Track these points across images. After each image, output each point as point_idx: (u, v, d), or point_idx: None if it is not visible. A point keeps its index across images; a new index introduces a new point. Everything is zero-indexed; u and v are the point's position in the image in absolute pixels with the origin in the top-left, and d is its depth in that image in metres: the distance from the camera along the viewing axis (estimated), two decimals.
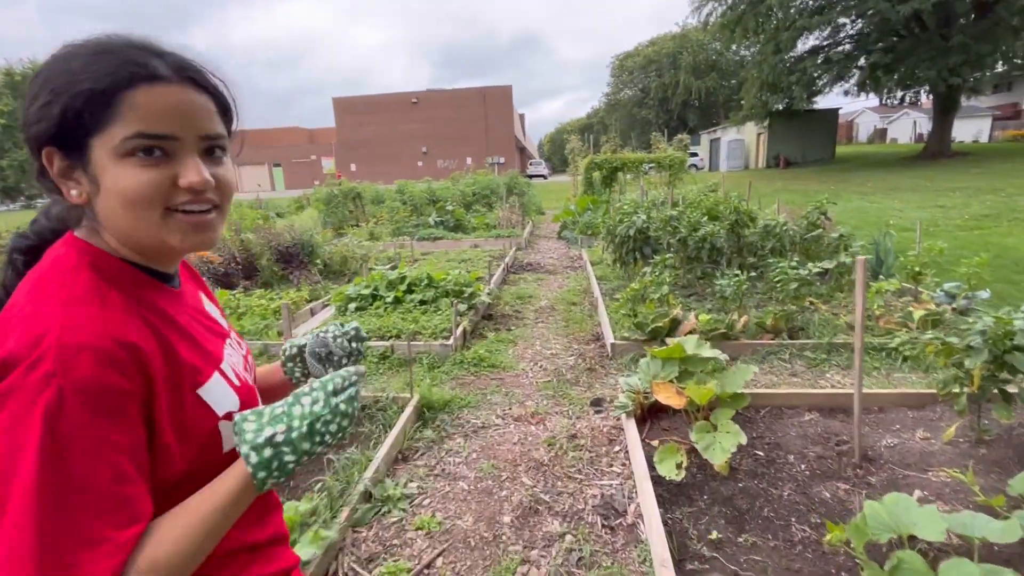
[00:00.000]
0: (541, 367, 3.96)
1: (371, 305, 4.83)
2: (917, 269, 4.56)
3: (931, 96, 27.31)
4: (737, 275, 4.43)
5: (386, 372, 3.86)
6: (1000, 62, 18.79)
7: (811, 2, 20.71)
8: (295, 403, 0.61)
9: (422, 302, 4.82)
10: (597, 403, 3.26)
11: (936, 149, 21.88)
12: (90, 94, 0.53)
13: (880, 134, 37.96)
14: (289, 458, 0.58)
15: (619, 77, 57.94)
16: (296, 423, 0.59)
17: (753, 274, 5.04)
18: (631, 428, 2.76)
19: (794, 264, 4.50)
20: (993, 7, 18.35)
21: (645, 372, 2.88)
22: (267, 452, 0.57)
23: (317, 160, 47.22)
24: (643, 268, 5.55)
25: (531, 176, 42.40)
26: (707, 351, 2.75)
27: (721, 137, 34.28)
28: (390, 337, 4.20)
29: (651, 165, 13.33)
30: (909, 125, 35.86)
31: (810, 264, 4.21)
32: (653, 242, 5.45)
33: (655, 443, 2.71)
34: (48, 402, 0.48)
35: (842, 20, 21.35)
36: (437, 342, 4.17)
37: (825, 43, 23.07)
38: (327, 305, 5.60)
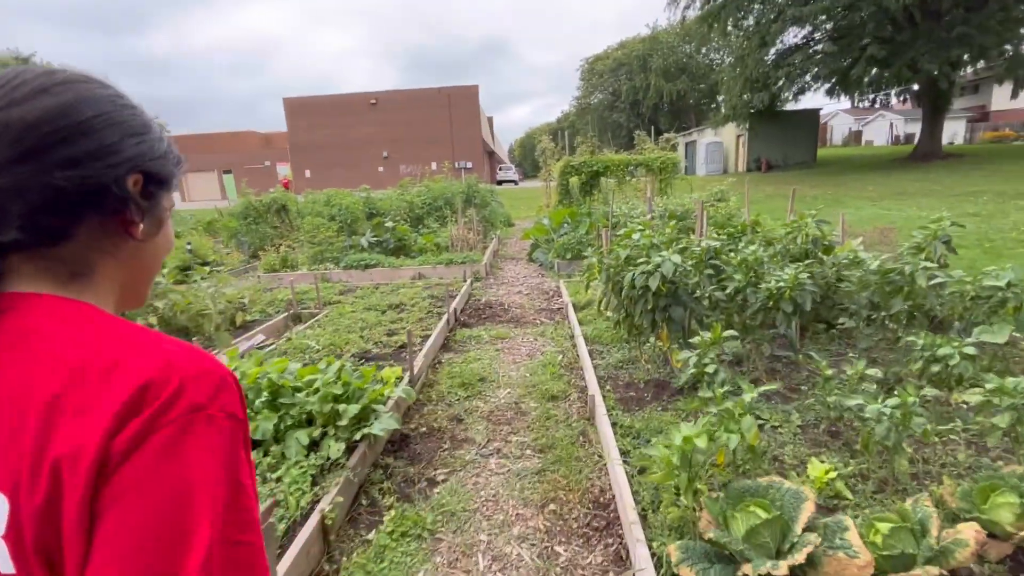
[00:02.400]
0: None
1: None
2: None
3: (911, 96, 26.32)
4: (887, 383, 2.20)
5: None
6: (1003, 55, 17.47)
7: None
8: None
9: (255, 444, 2.40)
10: None
11: (928, 150, 20.59)
12: (178, 157, 0.59)
13: (855, 136, 37.19)
14: None
15: (589, 80, 56.72)
16: None
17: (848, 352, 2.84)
18: None
19: (983, 360, 2.31)
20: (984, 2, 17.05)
21: None
22: None
23: (272, 166, 44.08)
24: (669, 341, 3.28)
25: (501, 182, 40.11)
26: None
27: (698, 140, 32.77)
28: None
29: (634, 167, 11.21)
30: (885, 127, 35.13)
31: None
32: (685, 296, 3.18)
33: None
34: (213, 433, 0.45)
35: (824, 16, 19.85)
36: None
37: (811, 37, 21.60)
38: None
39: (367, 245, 8.20)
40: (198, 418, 0.44)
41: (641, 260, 3.13)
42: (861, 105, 33.95)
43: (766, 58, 20.89)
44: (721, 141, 30.46)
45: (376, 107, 36.26)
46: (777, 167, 27.13)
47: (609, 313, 3.66)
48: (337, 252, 8.08)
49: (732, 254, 3.47)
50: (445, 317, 4.86)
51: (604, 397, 3.20)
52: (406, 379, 3.41)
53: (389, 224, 8.78)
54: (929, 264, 2.82)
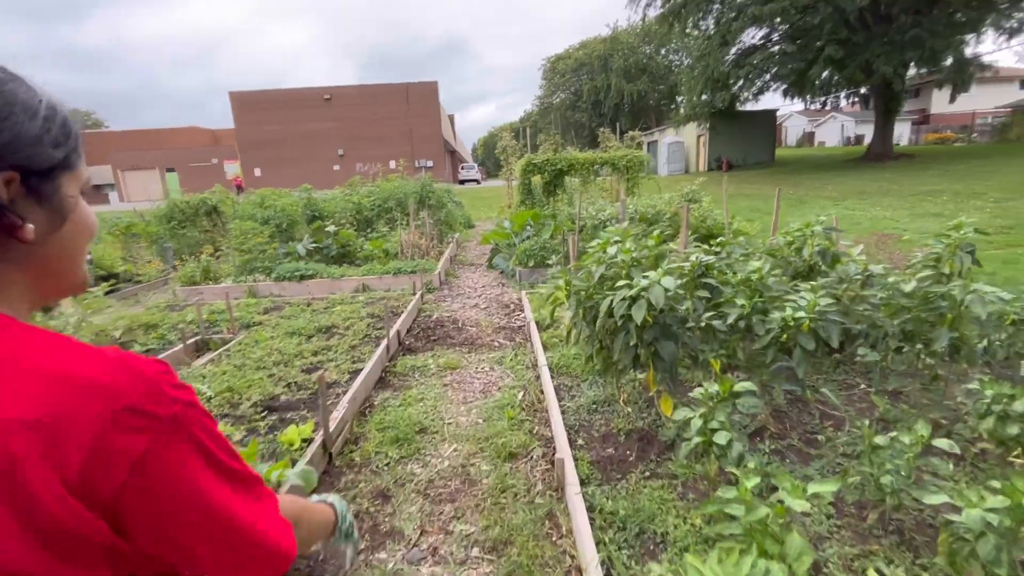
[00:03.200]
0: None
1: None
2: None
3: (860, 99, 27.05)
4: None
5: None
6: (950, 58, 17.90)
7: None
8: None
9: None
10: None
11: (880, 151, 21.02)
12: (76, 133, 0.54)
13: (809, 137, 38.19)
14: (346, 527, 0.91)
15: (551, 80, 56.62)
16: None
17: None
18: None
19: None
20: (932, 5, 17.45)
21: None
22: (348, 516, 0.92)
23: (219, 164, 41.72)
24: (656, 384, 2.60)
25: (463, 181, 39.12)
26: None
27: (659, 139, 32.78)
28: None
29: (600, 166, 10.63)
30: (837, 128, 36.18)
31: None
32: (676, 326, 2.49)
33: None
34: (193, 428, 0.51)
35: (780, 18, 19.94)
36: None
37: (769, 38, 21.71)
38: None
39: (305, 252, 7.25)
40: (176, 410, 0.49)
41: (621, 283, 2.42)
42: (813, 107, 34.85)
43: (727, 57, 20.86)
44: (682, 141, 30.53)
45: (330, 103, 34.66)
46: (737, 166, 27.35)
47: (580, 343, 2.95)
48: (269, 261, 7.10)
49: (727, 270, 2.82)
50: (384, 343, 4.04)
51: (576, 460, 2.48)
52: (318, 439, 2.59)
53: (331, 228, 7.83)
54: (987, 288, 2.22)
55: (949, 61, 17.79)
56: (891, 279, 2.68)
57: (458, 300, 6.12)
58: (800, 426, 2.70)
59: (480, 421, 3.09)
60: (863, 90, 22.99)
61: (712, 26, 22.20)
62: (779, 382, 2.44)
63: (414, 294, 5.98)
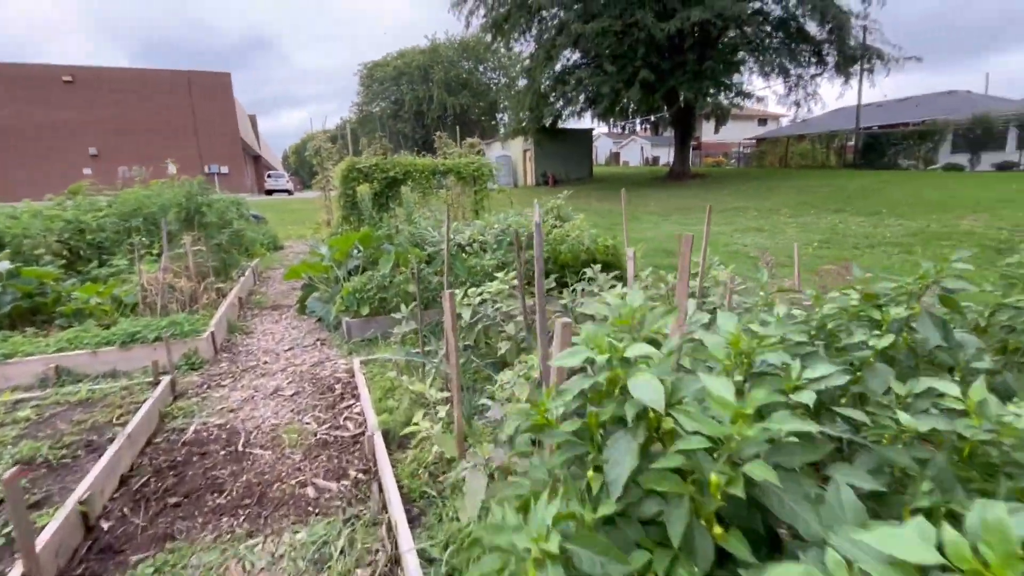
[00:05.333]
0: None
1: None
2: None
3: (650, 124, 30.38)
4: None
5: None
6: (730, 91, 20.60)
7: (578, 6, 19.51)
8: None
9: None
10: None
11: (680, 171, 23.42)
12: None
13: (615, 157, 42.26)
14: None
15: (369, 87, 53.42)
16: None
17: None
18: None
19: None
20: (717, 41, 19.95)
21: None
22: None
23: None
24: None
25: (271, 191, 33.67)
26: None
27: (487, 152, 32.57)
28: None
29: (442, 175, 8.92)
30: (638, 150, 40.61)
31: None
32: None
33: None
34: None
35: (593, 43, 20.90)
36: None
37: (585, 60, 22.62)
38: None
39: None
40: None
41: None
42: (615, 130, 38.29)
43: (552, 72, 21.11)
44: (509, 155, 30.69)
45: (75, 87, 26.59)
46: (561, 181, 28.36)
47: None
48: None
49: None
50: None
51: None
52: None
53: (5, 265, 4.58)
54: None
55: (730, 94, 20.48)
56: None
57: (245, 382, 3.73)
58: None
59: None
60: (653, 117, 25.74)
61: (533, 44, 22.45)
62: None
63: (155, 383, 3.41)
